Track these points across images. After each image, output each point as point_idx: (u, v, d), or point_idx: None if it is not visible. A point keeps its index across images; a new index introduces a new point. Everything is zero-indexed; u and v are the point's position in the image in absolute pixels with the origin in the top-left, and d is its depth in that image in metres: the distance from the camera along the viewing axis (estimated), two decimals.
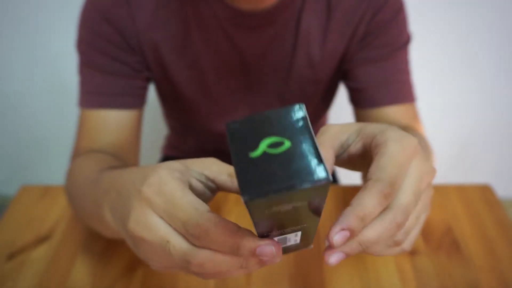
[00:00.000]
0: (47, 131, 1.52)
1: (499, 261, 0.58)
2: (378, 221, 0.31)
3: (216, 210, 0.65)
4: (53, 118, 1.48)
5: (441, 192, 0.68)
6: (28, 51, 1.30)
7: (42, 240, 0.62)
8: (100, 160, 0.59)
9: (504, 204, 0.65)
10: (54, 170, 1.59)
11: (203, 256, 0.31)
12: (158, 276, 0.57)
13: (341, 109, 0.83)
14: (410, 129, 0.66)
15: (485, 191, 0.68)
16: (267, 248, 0.29)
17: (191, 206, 0.31)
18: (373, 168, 0.31)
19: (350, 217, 0.29)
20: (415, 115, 0.69)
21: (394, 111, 0.68)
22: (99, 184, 0.44)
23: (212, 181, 0.36)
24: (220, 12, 0.62)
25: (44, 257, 0.59)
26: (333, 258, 0.31)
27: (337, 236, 0.29)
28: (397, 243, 0.34)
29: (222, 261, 0.31)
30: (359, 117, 0.72)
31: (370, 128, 0.34)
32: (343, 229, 0.29)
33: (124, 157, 0.65)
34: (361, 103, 0.70)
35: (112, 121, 0.65)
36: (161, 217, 0.32)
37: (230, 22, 0.63)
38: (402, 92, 0.68)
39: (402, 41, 0.67)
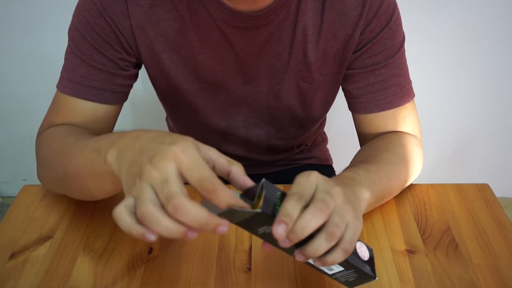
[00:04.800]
0: None
1: (497, 260, 0.58)
2: (305, 211, 0.42)
3: None
4: None
5: (440, 191, 0.69)
6: (29, 52, 1.30)
7: (43, 239, 0.62)
8: (84, 131, 0.64)
9: (503, 203, 0.66)
10: None
11: (183, 201, 0.38)
12: (158, 275, 0.57)
13: (337, 108, 0.83)
14: (397, 138, 0.68)
15: (483, 190, 0.69)
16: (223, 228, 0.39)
17: (208, 168, 0.40)
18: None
19: (279, 215, 0.41)
20: (411, 112, 0.71)
21: (391, 114, 0.69)
22: (104, 135, 0.51)
23: (213, 161, 0.43)
24: (215, 12, 0.63)
25: (45, 256, 0.60)
26: (283, 243, 0.42)
27: (279, 229, 0.41)
28: (333, 235, 0.43)
29: (196, 215, 0.38)
30: (358, 121, 0.73)
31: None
32: (279, 223, 0.41)
33: None
34: (360, 110, 0.71)
35: (88, 112, 0.67)
36: (176, 169, 0.39)
37: (225, 22, 0.64)
38: (399, 96, 0.69)
39: (397, 44, 0.67)
